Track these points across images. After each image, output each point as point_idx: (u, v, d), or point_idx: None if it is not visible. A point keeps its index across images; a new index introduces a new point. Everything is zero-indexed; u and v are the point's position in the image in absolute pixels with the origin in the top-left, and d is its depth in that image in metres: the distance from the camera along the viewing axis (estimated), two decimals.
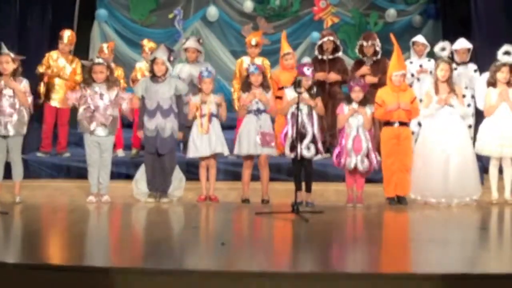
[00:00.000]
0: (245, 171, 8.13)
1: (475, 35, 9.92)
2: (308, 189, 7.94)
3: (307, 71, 7.88)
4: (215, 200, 8.10)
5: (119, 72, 9.68)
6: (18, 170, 7.91)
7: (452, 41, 9.57)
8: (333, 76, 9.61)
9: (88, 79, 7.96)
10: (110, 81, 7.96)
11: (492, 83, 8.20)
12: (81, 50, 11.23)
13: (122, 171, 9.12)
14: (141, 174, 8.13)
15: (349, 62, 10.47)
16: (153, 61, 8.01)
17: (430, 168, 7.95)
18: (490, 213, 7.82)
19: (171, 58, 8.12)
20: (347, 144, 7.81)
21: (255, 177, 8.24)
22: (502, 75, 8.13)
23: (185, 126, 8.16)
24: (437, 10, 12.60)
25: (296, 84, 7.50)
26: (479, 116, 8.83)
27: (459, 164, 7.95)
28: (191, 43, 9.45)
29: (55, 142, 9.87)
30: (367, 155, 7.80)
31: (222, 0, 12.72)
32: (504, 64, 8.16)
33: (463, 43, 9.32)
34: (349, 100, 7.93)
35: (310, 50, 12.44)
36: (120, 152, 9.74)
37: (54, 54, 9.63)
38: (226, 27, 12.74)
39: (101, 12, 12.42)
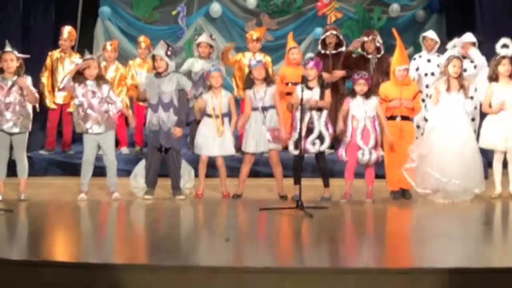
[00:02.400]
0: (244, 166, 8.12)
1: (479, 29, 9.89)
2: (326, 184, 7.94)
3: (311, 63, 7.90)
4: (227, 196, 8.09)
5: (122, 71, 9.71)
6: (22, 167, 7.90)
7: (456, 35, 9.54)
8: (338, 73, 9.59)
9: (79, 77, 7.91)
10: (101, 78, 7.96)
11: (493, 78, 8.18)
12: (84, 47, 11.19)
13: (125, 168, 9.11)
14: (140, 169, 8.14)
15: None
16: (153, 58, 8.05)
17: (434, 161, 7.93)
18: (493, 208, 7.82)
19: (169, 53, 8.10)
20: (355, 138, 7.79)
21: (261, 174, 8.24)
22: (503, 67, 8.12)
23: (185, 123, 8.17)
24: (441, 4, 12.57)
25: (303, 81, 7.58)
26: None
27: (462, 158, 7.93)
28: (203, 37, 9.40)
29: (59, 140, 9.90)
30: (375, 147, 7.79)
31: None
32: (504, 57, 8.14)
33: (465, 37, 9.29)
34: (353, 94, 7.92)
35: (314, 46, 12.41)
36: (125, 150, 9.75)
37: (55, 53, 9.67)
38: (230, 23, 12.73)
39: (104, 9, 12.43)
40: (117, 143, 9.07)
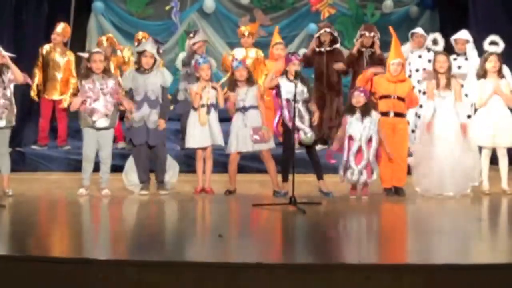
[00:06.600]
0: (230, 165, 8.07)
1: (472, 25, 9.91)
2: (320, 177, 7.92)
3: (295, 60, 7.91)
4: (210, 192, 8.09)
5: (128, 52, 9.69)
6: (5, 163, 7.83)
7: (450, 31, 9.55)
8: (339, 66, 9.60)
9: (85, 72, 7.93)
10: (108, 71, 7.96)
11: (482, 74, 8.19)
12: (77, 42, 11.22)
13: (122, 164, 9.06)
14: (130, 165, 8.12)
15: (346, 53, 10.45)
16: (141, 53, 7.99)
17: (430, 162, 7.94)
18: (482, 204, 7.85)
19: (160, 51, 8.10)
20: (349, 158, 7.77)
21: (254, 170, 8.22)
22: (490, 64, 8.14)
23: (167, 116, 8.13)
24: (434, 0, 12.58)
25: (295, 75, 7.66)
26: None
27: (457, 157, 7.95)
28: (200, 36, 9.28)
29: (52, 135, 9.87)
30: (367, 167, 7.76)
31: None
32: (491, 54, 8.15)
33: (460, 34, 9.29)
34: (351, 111, 7.85)
35: (307, 41, 12.41)
36: (121, 144, 9.71)
37: (47, 46, 9.64)
38: (223, 19, 12.71)
39: (98, 4, 12.39)
40: (114, 138, 9.04)
